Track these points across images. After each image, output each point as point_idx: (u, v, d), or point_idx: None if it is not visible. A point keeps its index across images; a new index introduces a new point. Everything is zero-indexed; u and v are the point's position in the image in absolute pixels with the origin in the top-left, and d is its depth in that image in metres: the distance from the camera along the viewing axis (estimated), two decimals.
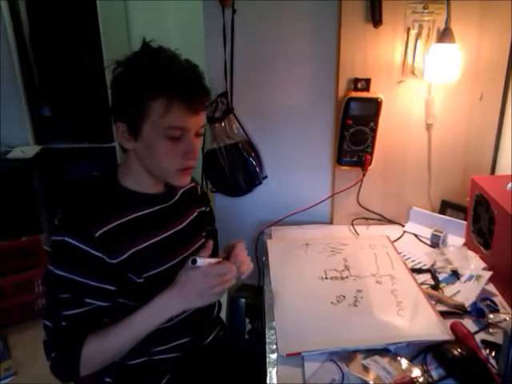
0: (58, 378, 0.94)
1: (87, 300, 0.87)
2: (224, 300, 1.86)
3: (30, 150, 2.75)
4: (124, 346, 0.89)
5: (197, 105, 0.89)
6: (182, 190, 1.09)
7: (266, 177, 1.50)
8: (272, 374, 0.90)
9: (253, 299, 1.82)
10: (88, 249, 0.86)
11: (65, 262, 0.86)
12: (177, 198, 1.06)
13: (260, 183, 1.49)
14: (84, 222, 0.88)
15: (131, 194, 0.96)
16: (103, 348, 0.88)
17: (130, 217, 0.94)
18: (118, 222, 0.92)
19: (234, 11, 1.33)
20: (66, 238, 0.85)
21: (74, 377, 0.92)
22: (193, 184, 1.13)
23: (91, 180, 0.99)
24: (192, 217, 1.09)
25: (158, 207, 1.00)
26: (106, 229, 0.89)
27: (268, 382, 0.89)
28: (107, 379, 1.01)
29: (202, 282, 0.86)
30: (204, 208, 1.14)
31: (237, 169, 1.45)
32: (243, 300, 1.80)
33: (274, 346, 0.95)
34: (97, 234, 0.87)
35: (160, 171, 0.94)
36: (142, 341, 0.91)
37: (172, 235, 1.01)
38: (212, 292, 0.87)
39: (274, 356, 0.94)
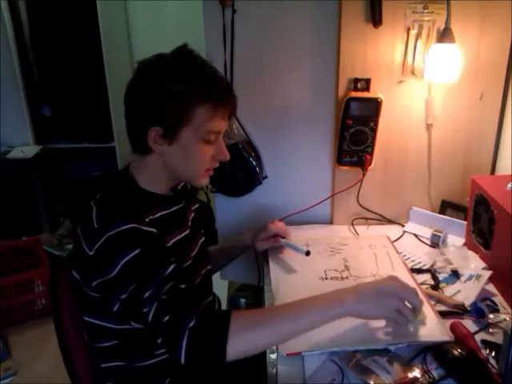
0: (197, 360, 0.81)
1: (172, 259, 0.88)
2: (224, 300, 1.86)
3: (30, 150, 2.77)
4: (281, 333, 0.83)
5: (231, 109, 0.95)
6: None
7: (266, 177, 1.50)
8: (272, 374, 0.90)
9: (253, 299, 1.82)
10: (148, 228, 0.88)
11: (137, 243, 0.84)
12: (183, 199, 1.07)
13: (260, 183, 1.49)
14: (134, 210, 0.89)
15: (149, 194, 0.97)
16: (256, 328, 0.81)
17: (157, 215, 0.96)
18: (151, 217, 0.94)
19: (234, 11, 1.32)
20: (130, 225, 0.84)
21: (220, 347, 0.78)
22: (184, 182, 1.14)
23: (109, 180, 0.99)
24: (191, 216, 1.10)
25: (174, 208, 1.02)
26: (148, 219, 0.92)
27: (268, 382, 0.89)
28: None
29: (395, 290, 0.87)
30: (197, 205, 1.15)
31: (237, 169, 1.44)
32: (243, 300, 1.80)
33: (274, 346, 0.95)
34: (147, 220, 0.91)
35: (188, 173, 0.96)
36: (153, 346, 0.93)
37: (186, 235, 1.04)
38: (393, 307, 0.86)
39: (273, 356, 0.93)
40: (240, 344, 0.80)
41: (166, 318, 0.80)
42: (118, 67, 2.76)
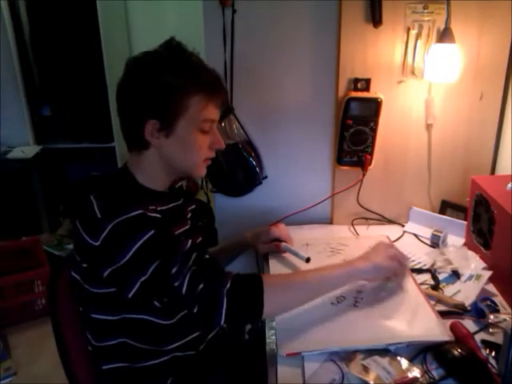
0: (238, 319, 0.92)
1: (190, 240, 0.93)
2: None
3: (30, 150, 2.76)
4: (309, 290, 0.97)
5: (223, 98, 0.99)
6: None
7: (266, 177, 1.50)
8: (272, 374, 0.90)
9: None
10: (154, 215, 0.91)
11: (149, 226, 0.86)
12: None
13: (260, 183, 1.49)
14: (137, 201, 0.90)
15: (148, 190, 0.98)
16: (286, 283, 0.94)
17: (158, 209, 0.96)
18: (152, 207, 0.94)
19: (234, 11, 1.32)
20: (138, 211, 0.86)
21: (255, 300, 0.89)
22: (180, 182, 1.15)
23: (108, 177, 1.00)
24: (189, 216, 1.11)
25: (172, 204, 1.03)
26: (150, 208, 0.93)
27: (268, 382, 0.89)
28: None
29: (383, 248, 1.07)
30: (194, 206, 1.15)
31: (237, 169, 1.44)
32: None
33: (274, 346, 0.95)
34: (150, 208, 0.92)
35: (186, 165, 0.98)
36: (158, 341, 0.95)
37: (186, 231, 1.04)
38: (391, 255, 1.05)
39: (274, 356, 0.93)
40: (273, 302, 0.90)
41: (201, 286, 0.86)
42: (118, 67, 2.74)
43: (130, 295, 0.87)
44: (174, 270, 0.85)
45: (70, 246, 2.64)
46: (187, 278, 0.86)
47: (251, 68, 1.39)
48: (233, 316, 0.87)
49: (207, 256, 0.93)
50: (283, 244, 1.26)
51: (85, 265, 0.90)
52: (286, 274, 1.06)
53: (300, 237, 1.39)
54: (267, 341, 0.98)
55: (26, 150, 2.77)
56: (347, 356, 0.91)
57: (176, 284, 0.85)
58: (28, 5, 2.72)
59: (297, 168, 1.50)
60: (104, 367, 0.98)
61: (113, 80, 2.74)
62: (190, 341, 1.01)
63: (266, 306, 0.88)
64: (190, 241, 0.92)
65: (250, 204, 1.54)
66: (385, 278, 1.08)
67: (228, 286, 0.87)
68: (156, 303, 0.92)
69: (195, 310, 0.87)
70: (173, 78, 0.90)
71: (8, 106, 2.74)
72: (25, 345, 2.01)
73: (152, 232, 0.85)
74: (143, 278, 0.85)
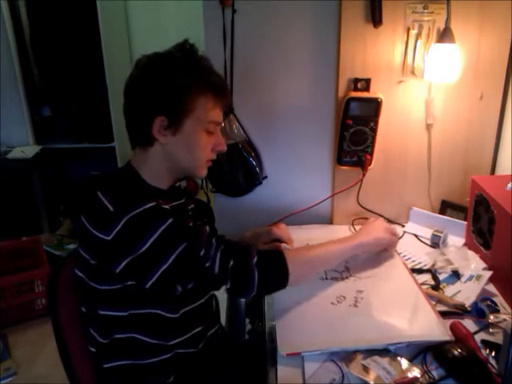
0: (269, 288, 1.01)
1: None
2: (224, 300, 1.86)
3: (30, 150, 2.77)
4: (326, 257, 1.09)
5: (228, 102, 1.03)
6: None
7: (266, 177, 1.50)
8: (272, 374, 0.90)
9: (252, 299, 1.81)
10: (166, 207, 0.92)
11: (167, 215, 0.88)
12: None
13: (260, 183, 1.49)
14: (147, 195, 0.91)
15: (152, 188, 0.99)
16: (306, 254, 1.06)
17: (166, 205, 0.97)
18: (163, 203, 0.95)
19: (234, 11, 1.33)
20: (153, 203, 0.87)
21: (283, 274, 0.97)
22: (179, 182, 1.15)
23: (113, 174, 1.01)
24: (190, 214, 1.11)
25: (175, 203, 1.03)
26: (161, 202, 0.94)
27: (268, 382, 0.89)
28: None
29: (380, 223, 1.24)
30: (192, 205, 1.15)
31: (237, 169, 1.45)
32: (243, 300, 1.80)
33: (274, 346, 0.95)
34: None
35: (190, 164, 1.00)
36: (165, 334, 0.96)
37: None
38: (385, 228, 1.22)
39: (274, 356, 0.93)
40: (296, 271, 0.98)
41: (232, 263, 0.92)
42: (118, 67, 2.76)
43: (148, 285, 0.88)
44: (202, 252, 0.89)
45: (70, 246, 2.64)
46: (218, 257, 0.91)
47: (251, 68, 1.40)
48: (264, 285, 0.95)
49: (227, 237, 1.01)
50: (283, 245, 1.26)
51: (93, 262, 0.90)
52: (304, 247, 1.16)
53: (300, 237, 1.39)
54: (267, 341, 0.98)
55: (26, 149, 2.77)
56: (347, 356, 0.91)
57: (207, 265, 0.90)
58: (28, 5, 2.72)
59: (297, 168, 1.50)
60: (105, 365, 0.98)
61: (113, 80, 2.74)
62: (191, 336, 1.01)
63: (290, 274, 0.96)
64: (207, 225, 0.96)
65: (250, 204, 1.54)
66: (382, 249, 1.23)
67: (255, 259, 0.94)
68: (178, 287, 0.93)
69: (228, 286, 0.93)
70: (184, 78, 0.93)
71: (8, 106, 2.74)
72: (25, 345, 2.01)
73: (171, 219, 0.87)
74: (166, 265, 0.86)
